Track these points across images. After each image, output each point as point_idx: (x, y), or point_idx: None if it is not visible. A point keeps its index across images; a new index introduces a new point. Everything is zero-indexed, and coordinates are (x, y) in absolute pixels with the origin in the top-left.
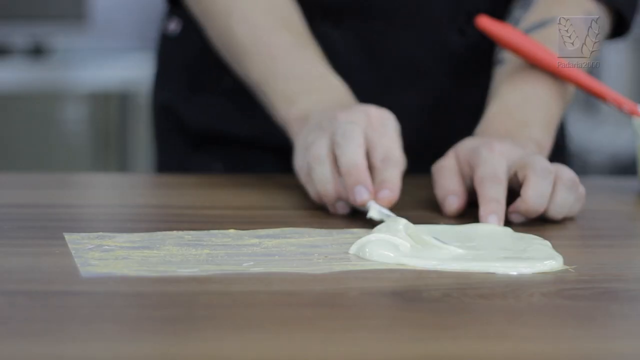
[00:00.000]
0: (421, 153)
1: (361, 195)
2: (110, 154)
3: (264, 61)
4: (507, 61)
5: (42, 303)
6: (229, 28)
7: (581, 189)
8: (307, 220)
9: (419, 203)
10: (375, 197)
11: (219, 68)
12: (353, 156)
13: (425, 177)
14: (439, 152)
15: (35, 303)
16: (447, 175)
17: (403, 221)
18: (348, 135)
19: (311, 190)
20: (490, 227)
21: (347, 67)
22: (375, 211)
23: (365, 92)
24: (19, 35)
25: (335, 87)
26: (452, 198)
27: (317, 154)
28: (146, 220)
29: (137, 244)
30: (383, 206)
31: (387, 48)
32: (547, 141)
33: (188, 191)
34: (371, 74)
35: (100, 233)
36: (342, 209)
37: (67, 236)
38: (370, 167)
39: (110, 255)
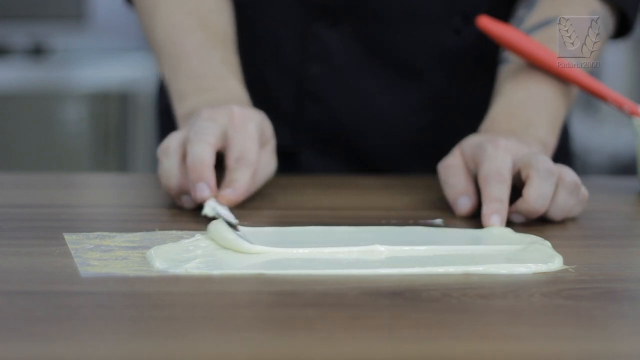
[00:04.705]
0: (421, 153)
1: (202, 192)
2: (110, 154)
3: (172, 60)
4: (511, 60)
5: (42, 303)
6: (151, 27)
7: (583, 192)
8: (305, 220)
9: (419, 203)
10: (218, 195)
11: None
12: (200, 152)
13: (426, 177)
14: (439, 152)
15: (35, 303)
16: (456, 174)
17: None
18: (200, 132)
19: (161, 182)
20: (498, 233)
21: (343, 67)
22: (209, 208)
23: (361, 92)
24: (19, 35)
25: (229, 88)
26: (464, 199)
27: (165, 146)
28: (146, 220)
29: (136, 244)
30: (223, 204)
31: (383, 48)
32: (552, 140)
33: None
34: (367, 74)
35: (99, 233)
36: (187, 203)
37: (67, 236)
38: (225, 166)
39: (110, 256)
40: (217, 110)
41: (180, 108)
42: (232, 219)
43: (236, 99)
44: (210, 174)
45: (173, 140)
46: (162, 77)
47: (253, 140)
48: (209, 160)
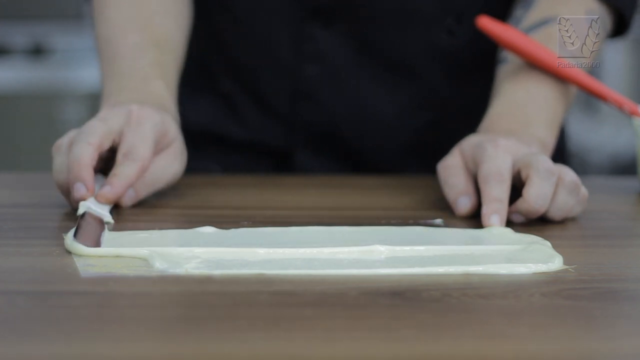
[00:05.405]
0: (416, 153)
1: (78, 191)
2: None
3: (107, 60)
4: (510, 59)
5: (42, 303)
6: (96, 27)
7: (583, 192)
8: (305, 220)
9: (419, 203)
10: (97, 194)
11: (215, 72)
12: (78, 153)
13: (426, 177)
14: (434, 152)
15: (35, 303)
16: (456, 174)
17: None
18: (85, 132)
19: None
20: (498, 233)
21: (337, 67)
22: (82, 208)
23: (356, 92)
24: (19, 35)
25: (151, 89)
26: (464, 199)
27: (58, 144)
28: (145, 221)
29: None
30: (101, 202)
31: (377, 48)
32: (551, 140)
33: (188, 191)
34: (362, 74)
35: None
36: (74, 202)
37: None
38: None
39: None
40: (115, 109)
41: (102, 105)
42: (108, 217)
43: (153, 99)
44: (87, 174)
45: (65, 138)
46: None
47: (145, 138)
48: (87, 160)
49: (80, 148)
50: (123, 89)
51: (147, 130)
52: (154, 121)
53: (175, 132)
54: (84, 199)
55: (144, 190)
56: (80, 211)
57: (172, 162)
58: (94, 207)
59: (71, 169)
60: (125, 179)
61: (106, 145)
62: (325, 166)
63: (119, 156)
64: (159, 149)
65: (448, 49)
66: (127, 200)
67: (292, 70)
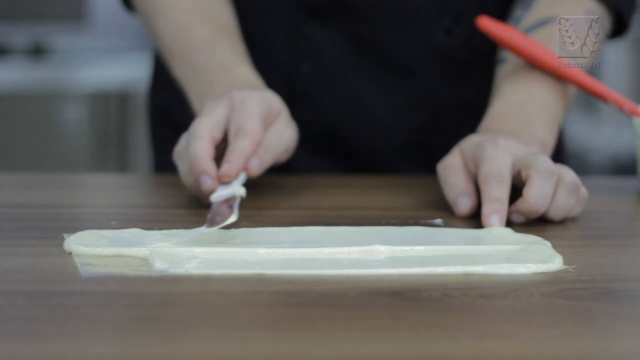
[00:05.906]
0: (413, 152)
1: (204, 184)
2: (110, 154)
3: (182, 57)
4: (509, 60)
5: (42, 303)
6: (155, 26)
7: (583, 192)
8: (305, 220)
9: (419, 203)
10: (219, 175)
11: None
12: (193, 151)
13: (426, 177)
14: (432, 152)
15: (35, 303)
16: (456, 174)
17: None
18: (193, 131)
19: None
20: (498, 233)
21: (334, 67)
22: (214, 197)
23: (353, 92)
24: (19, 35)
25: (239, 76)
26: (464, 199)
27: (177, 150)
28: (146, 220)
29: None
30: (226, 182)
31: (375, 48)
32: (551, 141)
33: (187, 191)
34: (359, 73)
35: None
36: (207, 195)
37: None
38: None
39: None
40: (217, 102)
41: (199, 105)
42: (241, 191)
43: (244, 84)
44: (207, 165)
45: (181, 144)
46: (174, 76)
47: (251, 114)
48: (203, 153)
49: (194, 145)
50: (213, 83)
51: (252, 108)
52: (256, 99)
53: (280, 105)
54: (212, 190)
55: (267, 157)
56: (213, 200)
57: (285, 129)
58: (223, 193)
59: (192, 167)
60: (240, 152)
61: (218, 136)
62: (323, 166)
63: (230, 136)
64: (268, 123)
65: (446, 48)
66: (255, 169)
67: (290, 70)
